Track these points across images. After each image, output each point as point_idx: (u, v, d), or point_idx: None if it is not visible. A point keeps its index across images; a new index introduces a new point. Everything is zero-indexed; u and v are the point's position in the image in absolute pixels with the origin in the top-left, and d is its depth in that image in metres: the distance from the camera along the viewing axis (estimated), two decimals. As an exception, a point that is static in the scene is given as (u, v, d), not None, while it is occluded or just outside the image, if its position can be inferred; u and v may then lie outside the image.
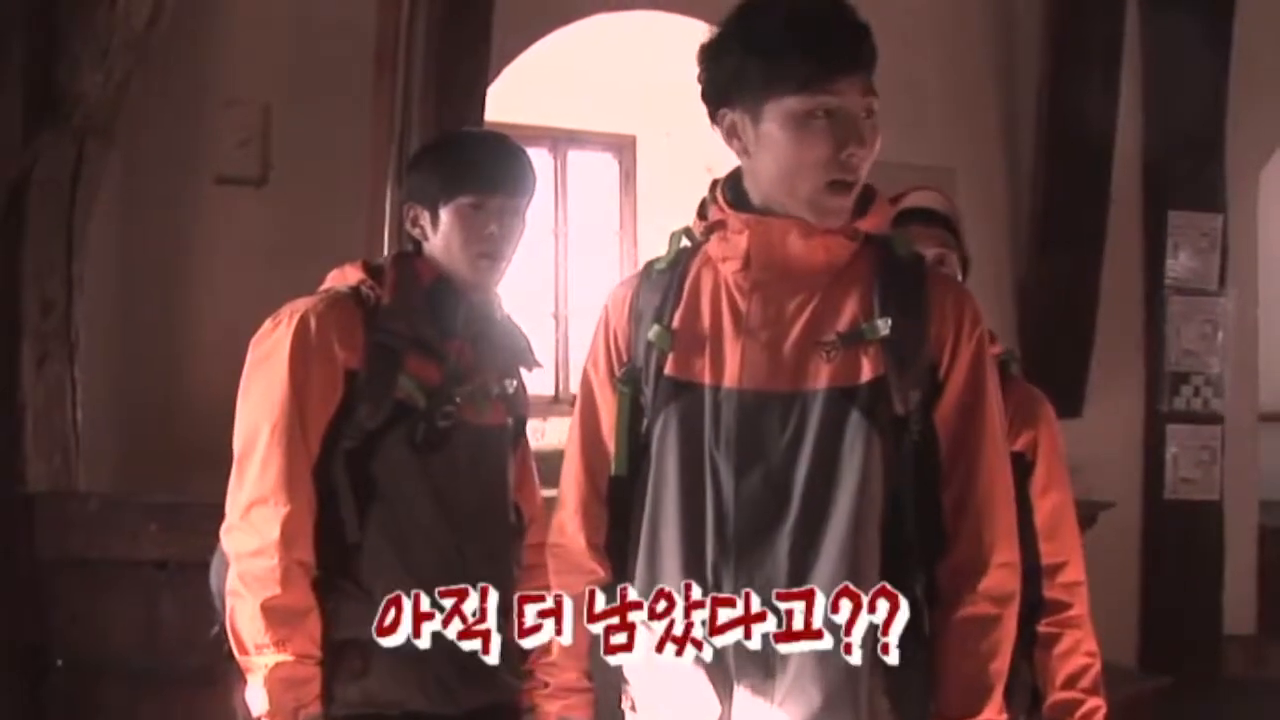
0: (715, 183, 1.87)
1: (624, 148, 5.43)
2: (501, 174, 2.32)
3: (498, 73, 4.07)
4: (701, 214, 1.87)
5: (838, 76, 1.72)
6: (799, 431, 1.75)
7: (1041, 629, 2.30)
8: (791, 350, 1.78)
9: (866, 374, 1.75)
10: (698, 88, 1.82)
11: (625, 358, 1.88)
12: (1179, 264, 5.78)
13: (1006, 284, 5.46)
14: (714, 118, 1.82)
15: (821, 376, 1.76)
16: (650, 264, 1.92)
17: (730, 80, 1.77)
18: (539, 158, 5.06)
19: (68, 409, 3.44)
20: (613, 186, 5.44)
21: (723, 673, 1.75)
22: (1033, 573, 2.26)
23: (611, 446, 1.89)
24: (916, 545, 1.77)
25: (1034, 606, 2.27)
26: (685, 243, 1.90)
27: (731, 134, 1.80)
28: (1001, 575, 1.79)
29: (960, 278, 2.33)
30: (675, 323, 1.84)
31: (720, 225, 1.83)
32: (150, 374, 3.72)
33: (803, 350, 1.77)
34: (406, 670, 2.19)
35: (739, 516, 1.75)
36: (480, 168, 2.32)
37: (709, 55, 1.80)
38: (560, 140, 5.24)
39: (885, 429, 1.75)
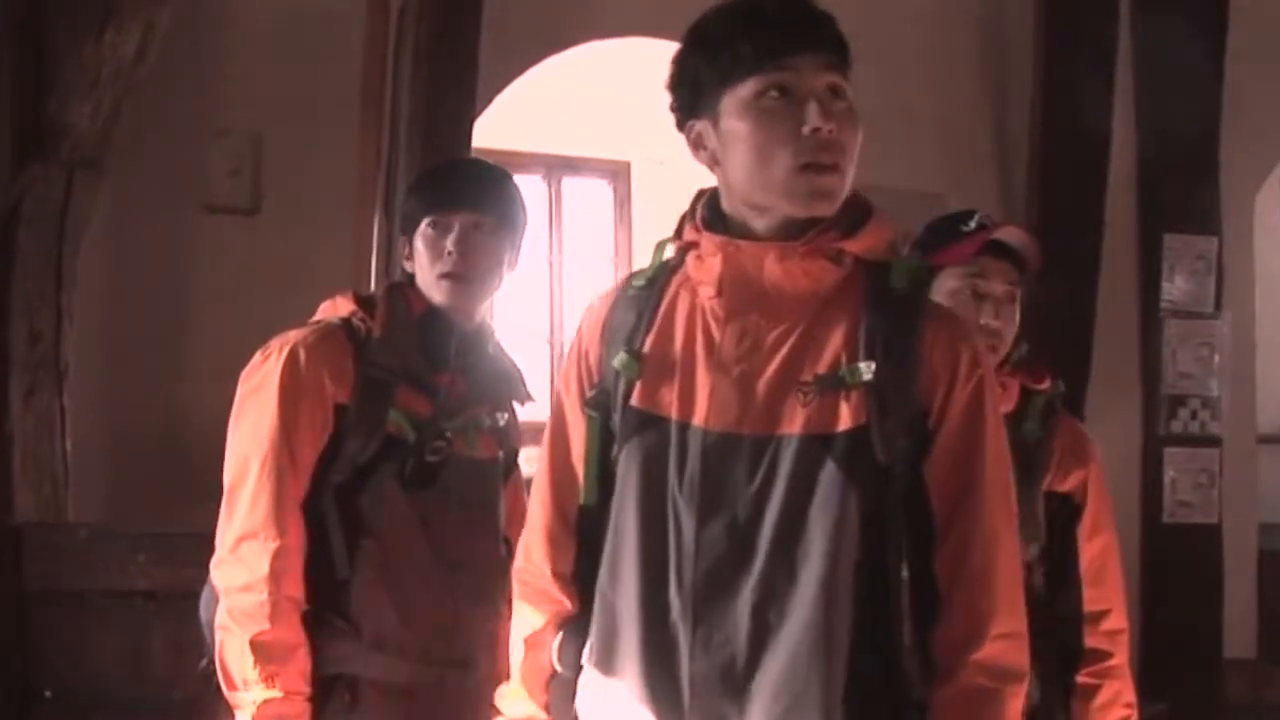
0: (699, 194, 1.72)
1: (619, 174, 5.41)
2: (457, 191, 2.29)
3: (490, 99, 4.07)
4: (679, 231, 1.72)
5: (789, 53, 1.59)
6: (768, 481, 1.59)
7: (1081, 679, 2.24)
8: (765, 389, 1.61)
9: (845, 422, 1.58)
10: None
11: (596, 379, 1.73)
12: (1175, 287, 5.75)
13: (1002, 308, 5.43)
14: (687, 138, 1.69)
15: (796, 421, 1.59)
16: (629, 278, 1.78)
17: (690, 91, 1.67)
18: (533, 185, 5.06)
19: (56, 440, 3.43)
20: (608, 213, 5.43)
21: None
22: (1075, 619, 2.23)
23: (581, 473, 1.74)
24: (903, 610, 1.61)
25: (1074, 654, 2.23)
26: (670, 253, 1.74)
27: (699, 145, 1.67)
28: (1000, 647, 1.60)
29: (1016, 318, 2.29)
30: (646, 347, 1.68)
31: (694, 246, 1.69)
32: (139, 405, 3.70)
33: (778, 390, 1.61)
34: (395, 705, 2.18)
35: (699, 568, 1.60)
36: (439, 189, 2.32)
37: (671, 77, 1.70)
38: (555, 167, 5.23)
39: (865, 483, 1.58)
